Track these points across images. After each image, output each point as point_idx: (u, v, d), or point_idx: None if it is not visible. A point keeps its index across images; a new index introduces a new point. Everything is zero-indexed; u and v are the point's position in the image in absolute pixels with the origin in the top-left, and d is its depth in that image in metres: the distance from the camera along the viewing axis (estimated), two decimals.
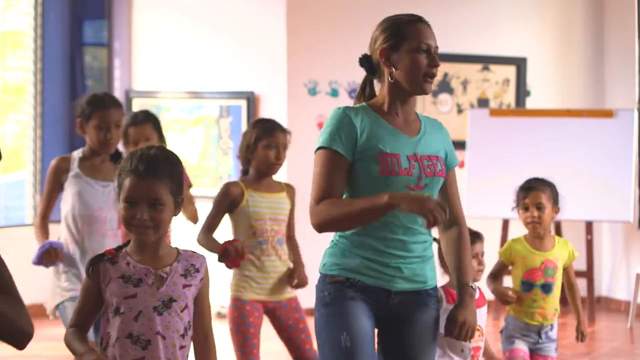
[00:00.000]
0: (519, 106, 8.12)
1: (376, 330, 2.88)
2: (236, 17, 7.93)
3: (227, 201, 4.12)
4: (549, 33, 8.29)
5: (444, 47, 8.48)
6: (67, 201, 4.08)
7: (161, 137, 4.84)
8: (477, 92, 8.10)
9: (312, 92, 7.65)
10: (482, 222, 7.85)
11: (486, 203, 7.50)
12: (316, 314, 2.84)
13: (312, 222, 2.76)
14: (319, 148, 2.79)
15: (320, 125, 7.56)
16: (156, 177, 2.50)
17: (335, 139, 2.76)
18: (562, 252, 4.16)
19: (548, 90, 8.30)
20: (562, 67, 8.31)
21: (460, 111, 8.06)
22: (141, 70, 8.23)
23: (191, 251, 2.69)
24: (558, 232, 7.85)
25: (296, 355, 4.11)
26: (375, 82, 2.95)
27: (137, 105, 8.17)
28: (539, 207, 4.07)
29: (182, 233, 3.58)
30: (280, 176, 4.43)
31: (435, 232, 3.79)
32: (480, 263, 3.70)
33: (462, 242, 2.93)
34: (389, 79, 2.84)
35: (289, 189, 4.23)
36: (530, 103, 8.21)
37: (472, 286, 2.92)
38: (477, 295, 3.65)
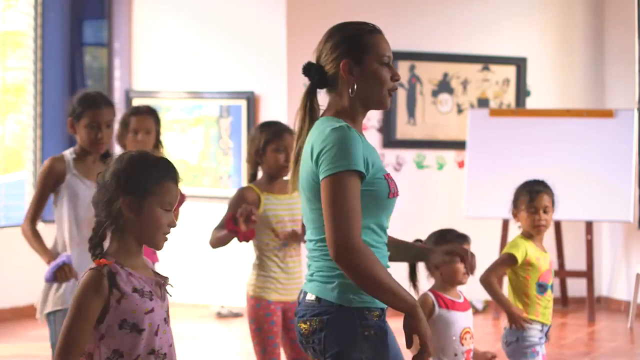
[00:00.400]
0: (519, 106, 8.12)
1: None
2: (236, 17, 7.93)
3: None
4: (549, 33, 8.29)
5: (444, 47, 8.57)
6: (64, 204, 3.95)
7: (158, 135, 4.83)
8: (477, 92, 8.10)
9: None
10: (482, 222, 7.89)
11: (486, 203, 7.49)
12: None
13: (349, 259, 2.48)
14: (340, 171, 2.51)
15: None
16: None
17: (357, 161, 2.53)
18: None
19: (548, 90, 8.29)
20: (562, 67, 8.31)
21: (460, 111, 8.06)
22: (141, 70, 8.23)
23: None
24: (558, 232, 7.85)
25: (295, 357, 4.11)
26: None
27: None
28: (546, 210, 4.09)
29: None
30: None
31: (408, 233, 3.80)
32: None
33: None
34: (351, 93, 2.66)
35: None
36: (530, 103, 8.21)
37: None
38: (461, 299, 3.65)
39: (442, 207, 7.95)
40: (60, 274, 3.78)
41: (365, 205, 2.55)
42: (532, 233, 4.13)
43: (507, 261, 4.09)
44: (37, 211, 3.97)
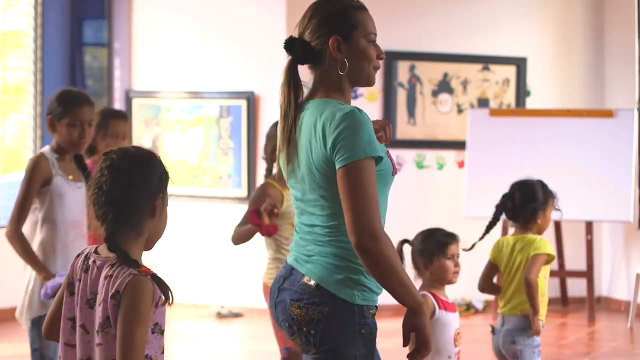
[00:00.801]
0: (519, 106, 8.12)
1: None
2: (236, 17, 7.93)
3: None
4: (549, 33, 8.29)
5: (444, 47, 8.55)
6: (51, 205, 3.82)
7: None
8: (477, 92, 8.10)
9: (307, 86, 7.64)
10: (481, 222, 7.85)
11: (486, 203, 7.45)
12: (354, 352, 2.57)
13: (374, 248, 2.44)
14: (361, 159, 2.48)
15: None
16: None
17: (376, 147, 2.51)
18: None
19: (548, 90, 8.29)
20: (562, 67, 8.31)
21: (460, 111, 8.06)
22: (141, 70, 8.23)
23: None
24: (558, 232, 7.86)
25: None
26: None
27: (137, 105, 8.17)
28: None
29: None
30: None
31: (408, 233, 3.79)
32: (457, 265, 3.66)
33: None
34: (340, 70, 2.62)
35: None
36: (530, 103, 8.21)
37: None
38: (450, 300, 3.66)
39: (442, 207, 7.95)
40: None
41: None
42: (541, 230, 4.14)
43: (544, 261, 4.02)
44: (23, 213, 3.80)
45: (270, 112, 7.68)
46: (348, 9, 2.63)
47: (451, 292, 4.03)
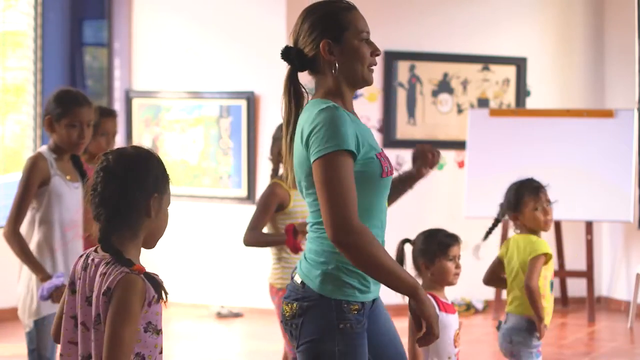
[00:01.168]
0: (519, 106, 8.12)
1: None
2: (236, 17, 7.93)
3: (276, 201, 4.23)
4: (549, 33, 8.29)
5: (444, 47, 8.54)
6: (49, 205, 3.80)
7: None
8: (477, 92, 8.10)
9: (312, 92, 7.64)
10: (481, 222, 7.85)
11: (486, 203, 7.47)
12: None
13: (350, 241, 2.45)
14: (331, 152, 2.48)
15: None
16: None
17: (348, 140, 2.50)
18: None
19: (548, 90, 8.29)
20: (562, 67, 8.31)
21: (460, 111, 8.06)
22: (141, 70, 8.23)
23: None
24: (558, 231, 7.85)
25: None
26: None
27: (137, 105, 8.17)
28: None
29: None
30: None
31: (408, 234, 3.79)
32: (458, 266, 3.65)
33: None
34: (334, 73, 2.64)
35: None
36: (530, 103, 8.21)
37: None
38: (449, 301, 3.65)
39: (442, 207, 7.95)
40: (56, 295, 3.61)
41: (359, 186, 2.51)
42: (542, 230, 4.13)
43: (543, 262, 4.02)
44: (21, 213, 3.77)
45: (270, 112, 7.68)
46: (337, 10, 2.66)
47: (451, 292, 4.03)
